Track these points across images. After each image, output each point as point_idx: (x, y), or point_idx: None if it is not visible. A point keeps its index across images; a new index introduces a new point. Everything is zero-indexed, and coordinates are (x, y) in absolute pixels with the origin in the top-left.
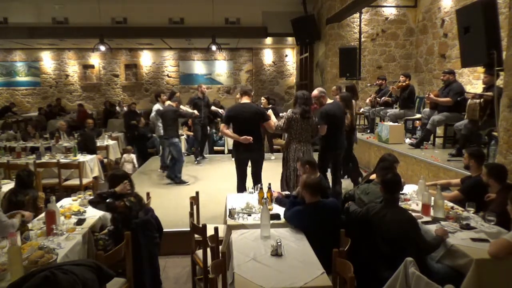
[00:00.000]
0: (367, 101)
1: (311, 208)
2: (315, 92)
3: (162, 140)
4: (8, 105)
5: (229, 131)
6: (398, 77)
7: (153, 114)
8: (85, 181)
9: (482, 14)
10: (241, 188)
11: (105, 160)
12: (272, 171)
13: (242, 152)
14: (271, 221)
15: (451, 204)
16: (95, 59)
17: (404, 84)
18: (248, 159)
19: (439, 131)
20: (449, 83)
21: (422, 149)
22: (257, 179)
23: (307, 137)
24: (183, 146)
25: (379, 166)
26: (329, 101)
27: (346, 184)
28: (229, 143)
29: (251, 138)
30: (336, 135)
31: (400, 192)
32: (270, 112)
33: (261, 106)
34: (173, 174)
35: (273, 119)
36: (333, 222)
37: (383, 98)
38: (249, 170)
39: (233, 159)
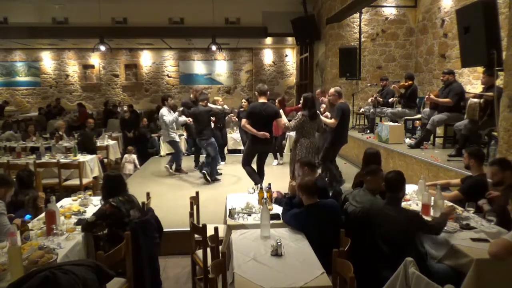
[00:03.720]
0: (369, 100)
1: (309, 210)
2: (331, 90)
3: (198, 141)
4: (1, 104)
5: (250, 126)
6: (399, 77)
7: (167, 117)
8: (85, 181)
9: (482, 14)
10: (247, 162)
11: (105, 160)
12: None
13: (258, 144)
14: (271, 221)
15: (451, 204)
16: (95, 59)
17: (406, 84)
18: (261, 151)
19: (439, 131)
20: (449, 83)
21: (422, 149)
22: (261, 172)
23: (313, 133)
24: (183, 147)
25: (367, 169)
26: (341, 101)
27: (347, 187)
28: (229, 143)
29: (268, 134)
30: (344, 131)
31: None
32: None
33: (242, 108)
34: (210, 170)
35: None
36: (332, 222)
37: (391, 99)
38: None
39: (244, 147)
